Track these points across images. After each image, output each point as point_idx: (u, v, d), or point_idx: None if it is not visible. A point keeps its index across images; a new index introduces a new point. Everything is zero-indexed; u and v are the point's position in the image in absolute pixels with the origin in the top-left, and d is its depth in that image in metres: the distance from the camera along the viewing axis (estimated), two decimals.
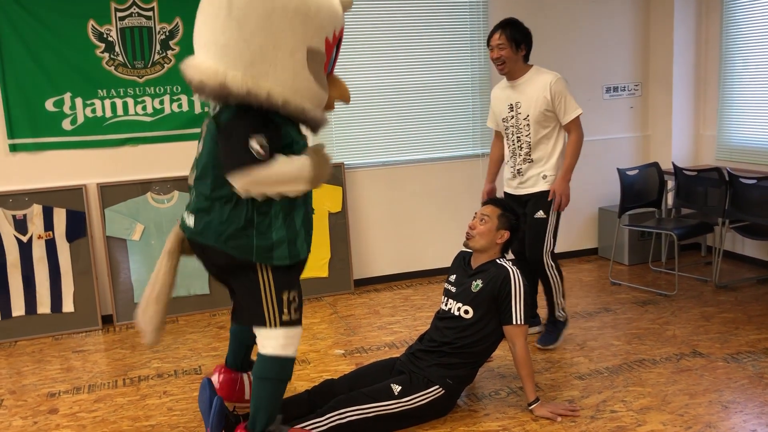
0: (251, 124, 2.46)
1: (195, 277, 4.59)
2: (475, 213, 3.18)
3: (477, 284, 3.05)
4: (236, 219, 2.54)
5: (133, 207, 4.48)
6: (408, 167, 5.06)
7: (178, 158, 4.54)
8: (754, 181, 4.35)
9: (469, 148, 5.22)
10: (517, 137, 3.67)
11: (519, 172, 3.71)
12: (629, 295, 4.62)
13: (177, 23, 4.45)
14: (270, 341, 2.62)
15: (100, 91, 4.38)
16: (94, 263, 4.44)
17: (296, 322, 2.65)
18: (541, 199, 3.65)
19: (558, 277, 3.74)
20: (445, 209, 5.20)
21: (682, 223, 4.84)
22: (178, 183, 4.55)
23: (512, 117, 3.68)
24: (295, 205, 2.64)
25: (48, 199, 4.35)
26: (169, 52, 4.46)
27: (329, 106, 2.73)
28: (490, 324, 3.03)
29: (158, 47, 4.44)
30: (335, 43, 2.62)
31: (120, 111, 4.44)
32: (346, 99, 2.77)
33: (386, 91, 4.99)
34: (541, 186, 3.65)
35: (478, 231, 3.10)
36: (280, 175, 2.48)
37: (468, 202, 5.11)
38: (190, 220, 2.66)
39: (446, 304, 3.15)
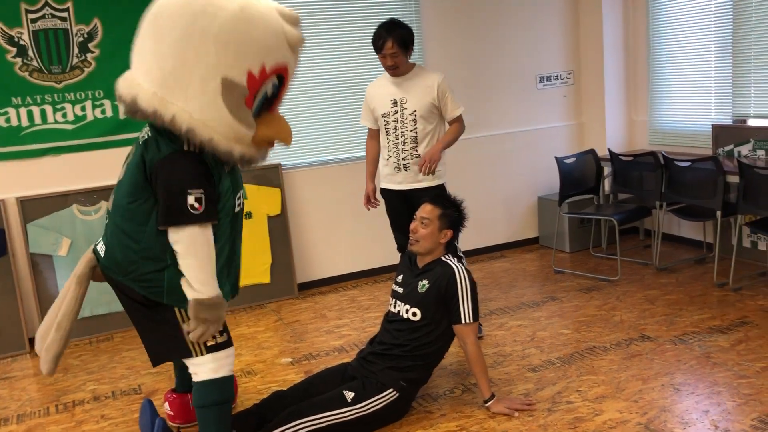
0: (188, 177, 2.32)
1: None
2: (415, 215, 3.08)
3: (423, 285, 2.97)
4: (147, 258, 2.41)
5: (57, 220, 4.22)
6: (346, 165, 4.94)
7: (104, 167, 4.29)
8: (688, 164, 4.42)
9: None
10: (402, 132, 3.68)
11: (405, 167, 3.70)
12: (573, 282, 4.64)
13: (95, 24, 4.21)
14: (201, 368, 2.50)
15: (13, 98, 4.10)
16: (17, 283, 4.15)
17: (223, 345, 2.50)
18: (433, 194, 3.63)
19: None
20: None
21: (620, 208, 4.89)
22: (105, 193, 4.30)
23: (396, 112, 3.68)
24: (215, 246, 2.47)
25: None
26: (89, 55, 4.21)
27: (259, 144, 2.50)
28: (440, 324, 2.95)
29: (76, 50, 4.19)
30: (263, 78, 2.37)
31: (38, 119, 4.16)
32: (284, 139, 2.58)
33: (319, 89, 4.86)
34: (431, 182, 3.69)
35: (421, 235, 3.01)
36: (199, 259, 2.36)
37: None
38: (102, 250, 2.52)
39: (394, 306, 3.05)
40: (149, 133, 2.41)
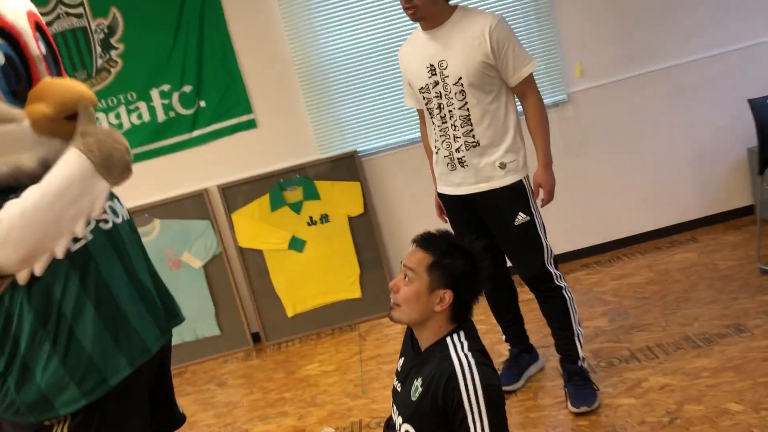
0: None
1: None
2: (401, 262, 1.93)
3: (416, 387, 1.83)
4: None
5: None
6: None
7: (149, 180, 3.70)
8: None
9: None
10: (449, 112, 2.44)
11: (461, 162, 2.48)
12: None
13: (114, 15, 3.55)
14: None
15: None
16: None
17: None
18: (510, 198, 2.47)
19: (572, 295, 2.60)
20: None
21: None
22: (157, 210, 3.73)
23: (436, 83, 2.43)
24: (66, 313, 1.51)
25: None
26: (113, 53, 3.59)
27: (52, 129, 1.48)
28: None
29: (99, 49, 3.59)
30: None
31: None
32: (72, 101, 1.49)
33: (384, 57, 3.66)
34: (501, 180, 2.47)
35: (402, 296, 1.86)
36: (45, 199, 1.40)
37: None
38: None
39: (394, 411, 1.97)
40: None
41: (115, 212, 1.68)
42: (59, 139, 1.49)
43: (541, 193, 2.53)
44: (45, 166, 1.46)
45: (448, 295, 1.83)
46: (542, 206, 2.54)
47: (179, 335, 3.80)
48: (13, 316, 1.47)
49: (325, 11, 3.59)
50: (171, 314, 1.81)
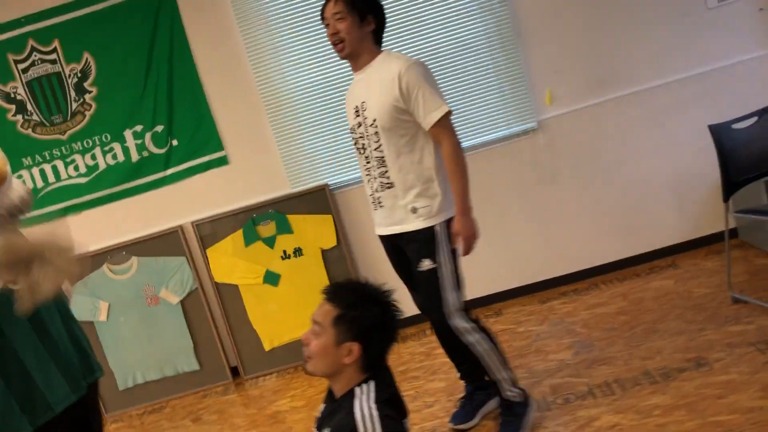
0: None
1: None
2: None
3: None
4: None
5: (91, 284, 3.82)
6: None
7: (127, 218, 3.79)
8: None
9: (502, 128, 3.74)
10: (369, 153, 2.46)
11: (379, 202, 2.50)
12: (755, 323, 2.91)
13: (87, 60, 3.65)
14: None
15: (24, 160, 3.76)
16: None
17: None
18: (419, 243, 2.43)
19: (486, 342, 2.50)
20: (485, 213, 3.80)
21: None
22: (134, 248, 3.80)
23: (359, 125, 2.46)
24: None
25: None
26: (87, 96, 3.69)
27: None
28: None
29: (73, 93, 3.69)
30: None
31: (51, 178, 3.78)
32: None
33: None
34: (412, 224, 2.43)
35: (312, 349, 1.87)
36: None
37: (511, 198, 3.68)
38: None
39: None
40: None
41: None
42: None
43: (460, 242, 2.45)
44: None
45: (355, 348, 1.82)
46: (463, 255, 2.45)
47: (160, 370, 3.86)
48: None
49: (290, 48, 3.64)
50: (88, 370, 1.86)
